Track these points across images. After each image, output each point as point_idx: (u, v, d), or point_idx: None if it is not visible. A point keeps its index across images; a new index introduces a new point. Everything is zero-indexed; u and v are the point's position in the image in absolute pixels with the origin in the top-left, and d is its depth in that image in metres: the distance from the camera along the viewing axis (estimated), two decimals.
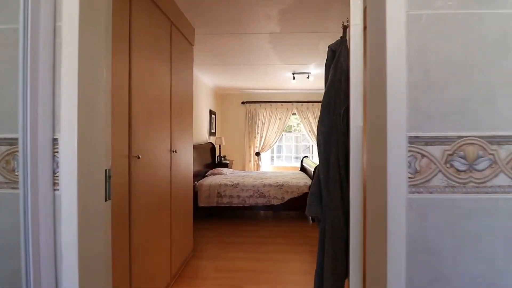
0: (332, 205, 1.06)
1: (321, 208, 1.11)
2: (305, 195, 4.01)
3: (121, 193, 1.49)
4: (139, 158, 1.64)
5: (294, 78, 4.95)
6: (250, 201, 4.00)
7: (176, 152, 2.31)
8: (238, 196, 4.00)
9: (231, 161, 6.32)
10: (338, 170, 1.07)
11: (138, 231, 1.67)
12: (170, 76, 2.23)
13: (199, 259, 2.74)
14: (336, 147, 1.08)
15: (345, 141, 1.09)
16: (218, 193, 4.01)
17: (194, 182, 3.70)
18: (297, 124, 7.51)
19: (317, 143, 1.23)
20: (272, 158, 7.37)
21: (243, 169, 6.85)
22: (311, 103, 6.67)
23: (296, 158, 7.38)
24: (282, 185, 4.06)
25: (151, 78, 1.89)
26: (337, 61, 1.17)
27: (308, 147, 7.33)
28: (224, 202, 3.99)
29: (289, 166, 7.00)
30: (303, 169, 5.56)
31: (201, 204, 3.97)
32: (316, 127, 1.34)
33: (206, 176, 4.79)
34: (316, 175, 1.14)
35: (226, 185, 4.06)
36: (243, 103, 6.83)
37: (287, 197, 4.02)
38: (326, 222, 1.15)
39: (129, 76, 1.58)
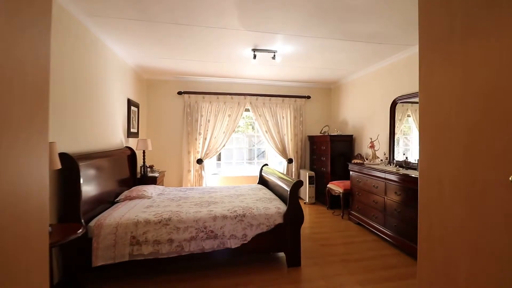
0: None
1: None
2: (278, 228, 2.61)
3: None
4: None
5: (255, 57, 3.53)
6: (192, 247, 2.38)
7: None
8: (170, 241, 2.34)
9: (162, 173, 4.53)
10: None
11: None
12: None
13: None
14: None
15: None
16: (133, 237, 2.28)
17: (86, 223, 1.91)
18: (246, 124, 6.12)
19: None
20: (218, 165, 5.80)
21: (180, 184, 5.09)
22: (268, 98, 5.35)
23: (249, 163, 5.97)
24: (244, 216, 2.56)
25: None
26: None
27: (263, 151, 6.00)
28: (144, 254, 2.28)
29: (242, 176, 5.52)
30: (262, 181, 4.17)
31: (99, 261, 2.17)
32: None
33: (118, 202, 2.96)
34: None
35: (148, 222, 2.35)
36: (180, 93, 5.09)
37: (251, 233, 2.54)
38: None
39: None
